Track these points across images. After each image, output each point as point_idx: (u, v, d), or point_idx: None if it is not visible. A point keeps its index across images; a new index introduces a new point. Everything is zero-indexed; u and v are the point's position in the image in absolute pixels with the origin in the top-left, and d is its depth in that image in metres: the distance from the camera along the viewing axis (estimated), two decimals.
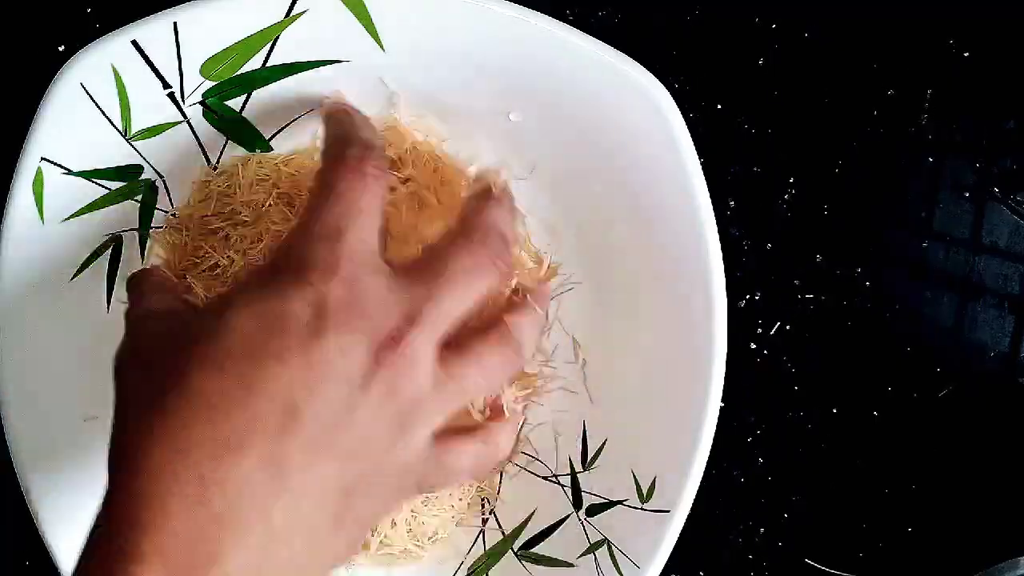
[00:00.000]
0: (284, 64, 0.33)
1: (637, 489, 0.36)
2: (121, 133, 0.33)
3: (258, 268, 0.30)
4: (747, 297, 0.41)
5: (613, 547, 0.36)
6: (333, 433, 0.26)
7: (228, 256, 0.35)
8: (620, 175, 0.35)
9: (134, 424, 0.27)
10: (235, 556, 0.25)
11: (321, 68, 0.33)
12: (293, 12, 0.32)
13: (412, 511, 0.37)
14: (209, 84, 0.33)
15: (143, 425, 0.26)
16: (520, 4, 0.32)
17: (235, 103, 0.34)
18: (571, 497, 0.38)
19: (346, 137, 0.31)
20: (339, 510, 0.27)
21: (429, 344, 0.28)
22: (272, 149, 0.36)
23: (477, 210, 0.31)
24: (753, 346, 0.41)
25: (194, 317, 0.30)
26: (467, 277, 0.29)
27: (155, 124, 0.33)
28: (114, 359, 0.30)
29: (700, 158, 0.33)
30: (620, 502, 0.36)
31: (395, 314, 0.28)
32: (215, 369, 0.26)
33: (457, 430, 0.30)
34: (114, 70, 0.32)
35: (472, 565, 0.38)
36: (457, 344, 0.29)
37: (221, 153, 0.35)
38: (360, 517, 0.28)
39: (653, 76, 0.33)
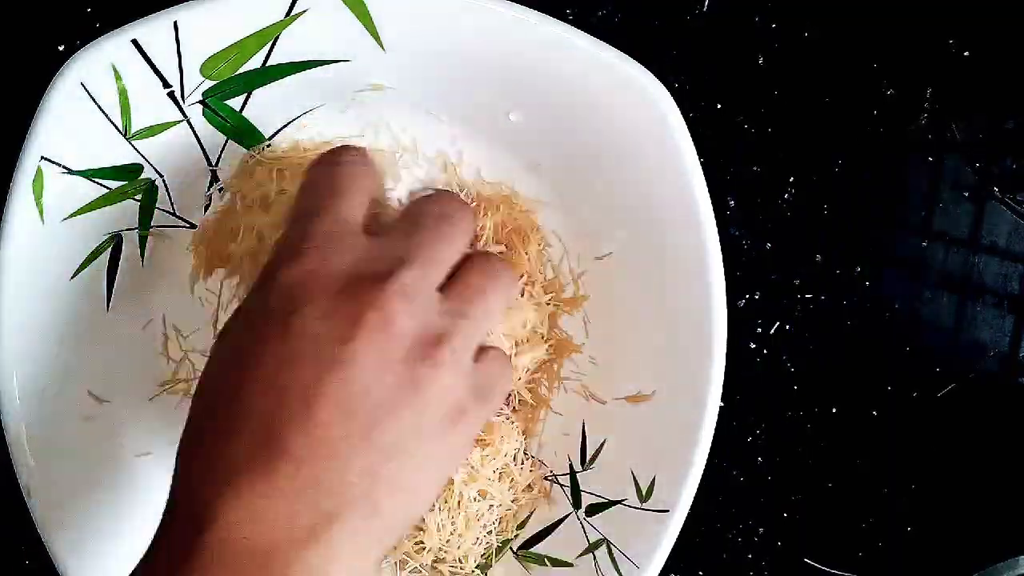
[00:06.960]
0: (284, 64, 0.33)
1: (636, 489, 0.36)
2: (121, 133, 0.33)
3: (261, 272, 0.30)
4: (747, 297, 0.41)
5: (612, 547, 0.36)
6: (330, 390, 0.25)
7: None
8: (620, 175, 0.35)
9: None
10: None
11: (322, 68, 0.33)
12: (293, 12, 0.32)
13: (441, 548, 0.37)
14: (209, 84, 0.33)
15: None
16: (520, 4, 0.32)
17: (235, 103, 0.34)
18: (570, 497, 0.38)
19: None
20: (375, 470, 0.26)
21: (423, 280, 0.28)
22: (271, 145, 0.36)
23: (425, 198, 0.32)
24: (753, 346, 0.41)
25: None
26: (444, 221, 0.30)
27: (155, 124, 0.33)
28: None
29: (700, 158, 0.33)
30: (619, 502, 0.36)
31: (380, 264, 0.27)
32: (213, 382, 0.27)
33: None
34: (114, 70, 0.32)
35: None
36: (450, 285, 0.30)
37: (221, 153, 0.35)
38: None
39: (653, 76, 0.33)
